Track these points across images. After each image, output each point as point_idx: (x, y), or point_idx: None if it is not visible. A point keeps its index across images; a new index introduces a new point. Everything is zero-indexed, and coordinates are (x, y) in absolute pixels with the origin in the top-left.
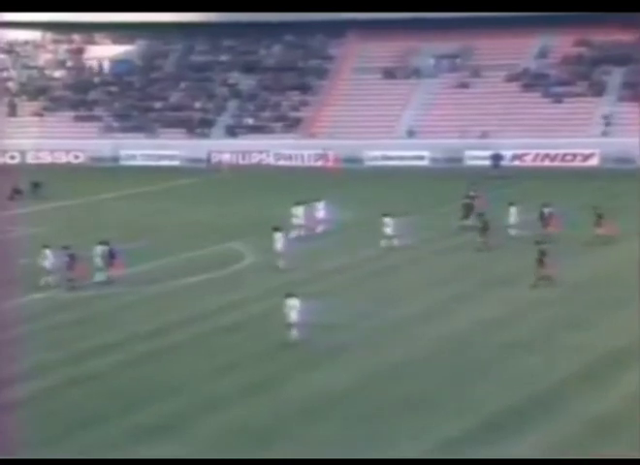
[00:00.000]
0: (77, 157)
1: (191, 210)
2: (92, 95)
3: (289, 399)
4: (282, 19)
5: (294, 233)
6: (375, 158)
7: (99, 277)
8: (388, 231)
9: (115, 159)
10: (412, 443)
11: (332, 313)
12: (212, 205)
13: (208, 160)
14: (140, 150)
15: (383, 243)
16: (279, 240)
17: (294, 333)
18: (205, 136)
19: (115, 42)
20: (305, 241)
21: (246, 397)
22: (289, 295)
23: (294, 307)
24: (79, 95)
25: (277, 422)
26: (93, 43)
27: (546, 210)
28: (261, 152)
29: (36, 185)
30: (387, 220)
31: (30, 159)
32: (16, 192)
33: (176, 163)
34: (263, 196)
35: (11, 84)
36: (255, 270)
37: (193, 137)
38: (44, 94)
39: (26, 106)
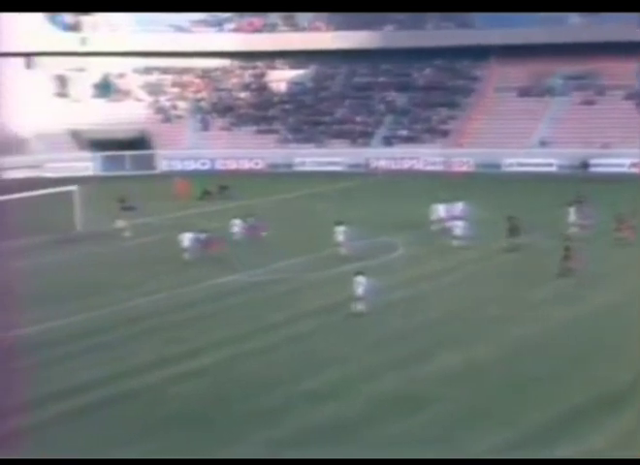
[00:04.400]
0: (257, 164)
1: (352, 208)
2: (271, 112)
3: (434, 371)
4: (433, 46)
5: (434, 227)
6: (511, 164)
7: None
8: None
9: (289, 165)
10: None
11: (464, 299)
12: (370, 204)
13: (367, 165)
14: (310, 158)
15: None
16: (341, 233)
17: (359, 306)
18: (365, 145)
19: (292, 67)
20: (443, 235)
21: (395, 370)
22: (358, 273)
23: (361, 283)
24: (260, 112)
25: (426, 390)
26: (274, 68)
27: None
28: (412, 159)
29: (223, 187)
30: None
31: (218, 166)
32: (206, 193)
33: (339, 168)
34: (413, 196)
35: (204, 104)
36: (405, 260)
37: (355, 146)
38: (231, 112)
39: (216, 121)
